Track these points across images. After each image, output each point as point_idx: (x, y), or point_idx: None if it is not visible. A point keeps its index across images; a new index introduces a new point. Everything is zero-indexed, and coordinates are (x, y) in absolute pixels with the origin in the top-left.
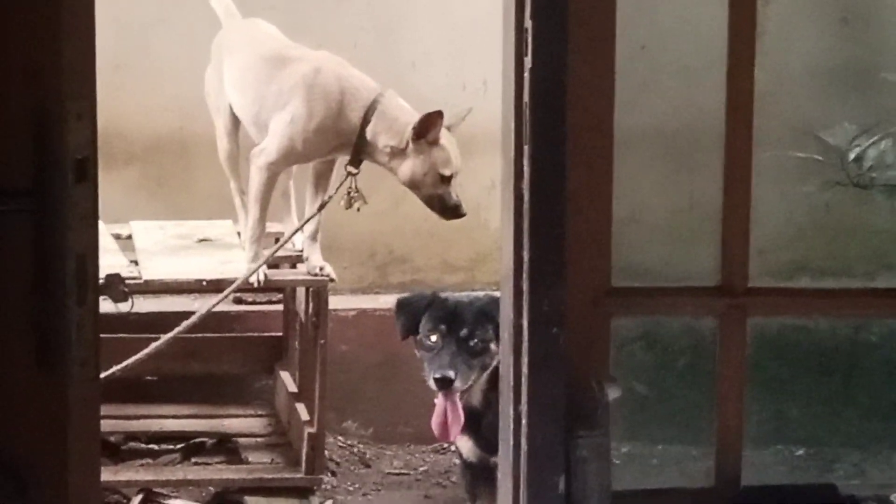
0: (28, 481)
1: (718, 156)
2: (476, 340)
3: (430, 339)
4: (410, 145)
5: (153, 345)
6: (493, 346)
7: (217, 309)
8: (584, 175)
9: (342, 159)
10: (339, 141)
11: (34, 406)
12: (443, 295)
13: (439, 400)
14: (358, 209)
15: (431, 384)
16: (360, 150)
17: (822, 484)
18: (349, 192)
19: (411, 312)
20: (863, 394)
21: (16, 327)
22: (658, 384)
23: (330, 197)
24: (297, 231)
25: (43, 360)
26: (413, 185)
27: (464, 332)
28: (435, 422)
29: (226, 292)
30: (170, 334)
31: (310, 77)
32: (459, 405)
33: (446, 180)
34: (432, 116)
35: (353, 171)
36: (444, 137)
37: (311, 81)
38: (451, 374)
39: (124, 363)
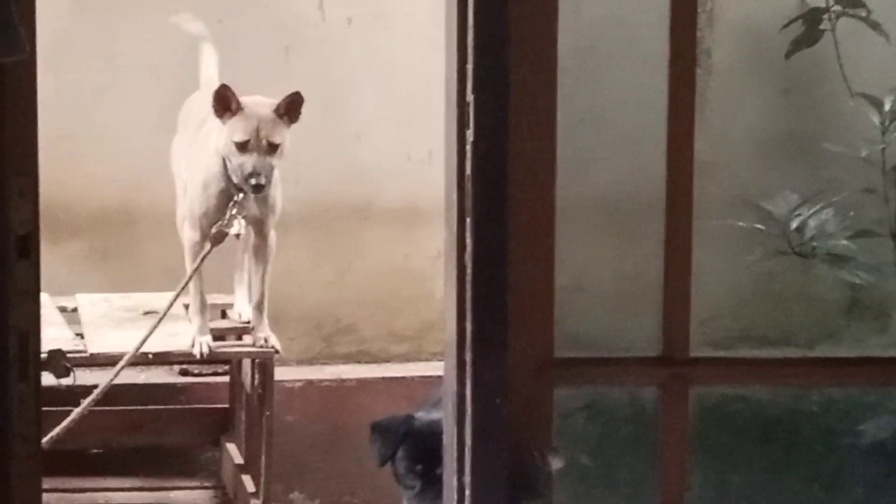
0: None
1: (660, 225)
2: None
3: (408, 479)
4: (219, 124)
5: (68, 418)
6: None
7: (163, 381)
8: (527, 246)
9: (292, 236)
10: (220, 185)
11: None
12: (417, 422)
13: None
14: (237, 236)
15: None
16: (227, 173)
17: None
18: (231, 216)
19: (388, 441)
20: (804, 462)
21: None
22: (601, 453)
23: (221, 223)
24: (187, 282)
25: None
26: (226, 162)
27: (439, 470)
28: None
29: (123, 361)
30: (79, 409)
31: (203, 137)
32: None
33: (241, 147)
34: (219, 90)
35: (237, 197)
36: (252, 110)
37: (203, 140)
38: None
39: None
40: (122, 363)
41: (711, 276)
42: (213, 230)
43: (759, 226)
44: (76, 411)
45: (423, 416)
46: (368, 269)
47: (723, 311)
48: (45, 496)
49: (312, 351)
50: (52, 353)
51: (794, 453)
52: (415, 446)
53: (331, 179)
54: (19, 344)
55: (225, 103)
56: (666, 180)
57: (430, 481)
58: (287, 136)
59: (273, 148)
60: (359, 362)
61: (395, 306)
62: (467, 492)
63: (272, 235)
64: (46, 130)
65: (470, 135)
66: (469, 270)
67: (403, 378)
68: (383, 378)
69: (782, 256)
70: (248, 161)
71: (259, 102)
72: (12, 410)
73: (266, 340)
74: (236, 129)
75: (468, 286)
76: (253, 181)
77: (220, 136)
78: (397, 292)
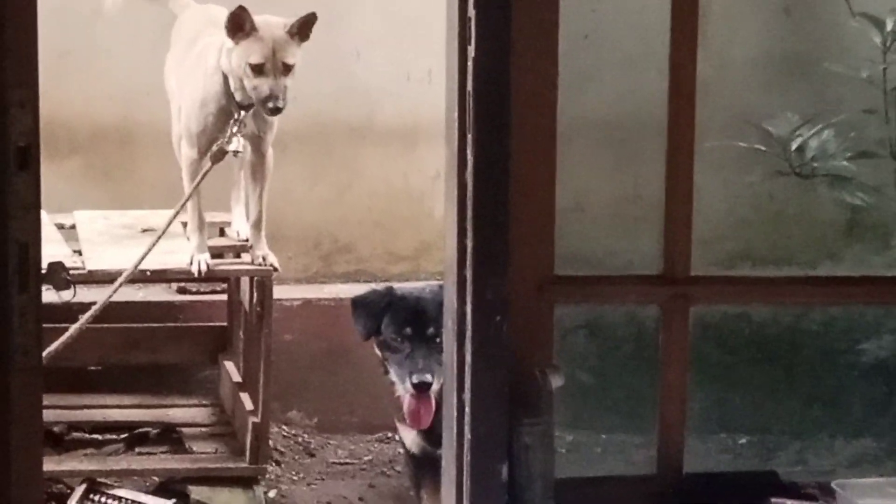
0: None
1: (661, 145)
2: (441, 338)
3: (397, 342)
4: (231, 44)
5: (66, 334)
6: None
7: (161, 299)
8: (528, 164)
9: (291, 155)
10: (220, 103)
11: None
12: (398, 291)
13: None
14: (236, 154)
15: (408, 388)
16: (229, 91)
17: (764, 471)
18: (232, 134)
19: (372, 313)
20: (804, 382)
21: None
22: (601, 372)
23: (222, 141)
24: (186, 200)
25: None
26: (237, 81)
27: (430, 330)
28: (408, 411)
29: (122, 278)
30: (77, 324)
31: (196, 54)
32: (432, 397)
33: (257, 70)
34: (235, 11)
35: (238, 116)
36: (266, 31)
37: (198, 57)
38: (429, 377)
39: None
40: (120, 280)
41: (712, 196)
42: (214, 148)
43: (759, 146)
44: (75, 326)
45: (401, 286)
46: (367, 188)
47: (723, 230)
48: (43, 412)
49: (311, 270)
50: (52, 265)
51: (794, 372)
52: (400, 312)
53: (329, 98)
54: (19, 256)
55: (239, 24)
56: (668, 100)
57: (421, 341)
58: (299, 56)
59: (287, 69)
60: (357, 281)
61: (394, 226)
62: (467, 409)
63: (269, 153)
64: (46, 48)
65: (471, 51)
66: (470, 188)
67: None
68: None
69: (783, 177)
70: (265, 84)
71: (272, 23)
72: (13, 323)
73: (264, 259)
74: (252, 51)
75: (469, 203)
76: (270, 104)
77: (232, 56)
78: (396, 212)
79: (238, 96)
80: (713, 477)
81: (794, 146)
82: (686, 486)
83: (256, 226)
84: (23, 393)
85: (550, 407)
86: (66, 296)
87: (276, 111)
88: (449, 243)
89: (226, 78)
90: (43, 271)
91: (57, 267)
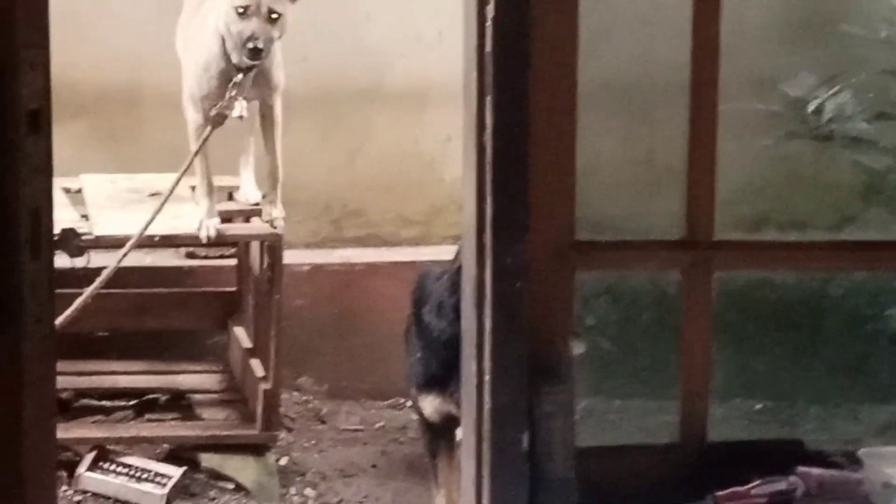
0: None
1: (679, 108)
2: None
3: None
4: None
5: (77, 301)
6: None
7: (170, 264)
8: (547, 127)
9: (299, 118)
10: (220, 66)
11: None
12: None
13: None
14: (241, 118)
15: None
16: (227, 53)
17: (790, 440)
18: (231, 97)
19: None
20: (828, 347)
21: None
22: (623, 339)
23: (221, 105)
24: (189, 164)
25: None
26: (231, 40)
27: None
28: None
29: (130, 243)
30: (89, 289)
31: (201, 17)
32: None
33: (242, 13)
34: None
35: (236, 79)
36: None
37: (202, 20)
38: None
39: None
40: (128, 245)
41: (730, 159)
42: (213, 112)
43: (777, 108)
44: (86, 293)
45: None
46: (377, 152)
47: (743, 194)
48: None
49: (320, 234)
50: (65, 231)
51: (820, 339)
52: None
53: (339, 60)
54: (31, 222)
55: None
56: (691, 62)
57: None
58: (289, 10)
59: (274, 18)
60: (367, 246)
61: (404, 190)
62: (486, 377)
63: (278, 104)
64: (54, 8)
65: (490, 10)
66: (489, 151)
67: (412, 262)
68: (392, 262)
69: (799, 139)
70: (248, 26)
71: None
72: (25, 291)
73: (272, 219)
74: None
75: (488, 167)
76: (250, 45)
77: (221, 10)
78: (406, 175)
79: (234, 58)
80: (738, 445)
81: (811, 108)
82: (710, 455)
83: (273, 176)
84: (35, 361)
85: (571, 374)
86: (79, 263)
87: (256, 53)
88: (467, 208)
89: (224, 41)
90: (55, 237)
91: (70, 233)
